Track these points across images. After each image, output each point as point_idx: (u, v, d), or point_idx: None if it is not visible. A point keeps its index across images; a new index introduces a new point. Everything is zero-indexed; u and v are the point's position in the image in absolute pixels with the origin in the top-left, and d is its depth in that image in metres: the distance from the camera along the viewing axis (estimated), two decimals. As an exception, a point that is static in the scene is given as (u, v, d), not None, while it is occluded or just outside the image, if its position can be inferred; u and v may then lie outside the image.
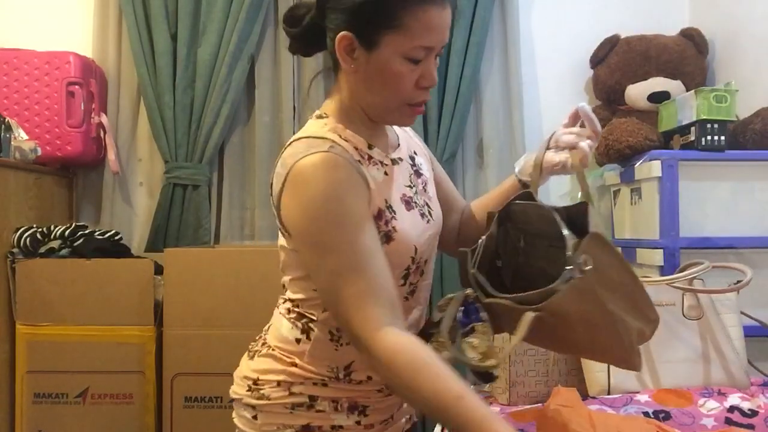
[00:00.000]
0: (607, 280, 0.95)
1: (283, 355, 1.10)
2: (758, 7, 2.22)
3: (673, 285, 1.49)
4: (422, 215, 1.12)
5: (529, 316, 0.93)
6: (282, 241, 1.10)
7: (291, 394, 1.08)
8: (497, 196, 1.24)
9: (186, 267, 2.12)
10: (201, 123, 2.47)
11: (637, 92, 2.39)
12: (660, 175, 1.91)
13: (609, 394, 1.45)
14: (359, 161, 1.04)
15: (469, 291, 1.04)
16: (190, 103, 2.47)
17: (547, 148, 1.16)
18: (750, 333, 1.61)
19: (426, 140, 2.41)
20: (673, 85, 2.36)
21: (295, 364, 1.09)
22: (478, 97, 2.56)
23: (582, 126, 1.15)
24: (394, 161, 1.12)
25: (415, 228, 1.09)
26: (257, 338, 1.19)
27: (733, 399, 1.40)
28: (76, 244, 2.17)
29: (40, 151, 2.23)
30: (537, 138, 2.50)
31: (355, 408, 1.10)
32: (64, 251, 2.15)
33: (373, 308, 0.95)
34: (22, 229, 2.13)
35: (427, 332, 1.04)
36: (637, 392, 1.44)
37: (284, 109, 2.52)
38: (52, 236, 2.16)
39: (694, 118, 1.94)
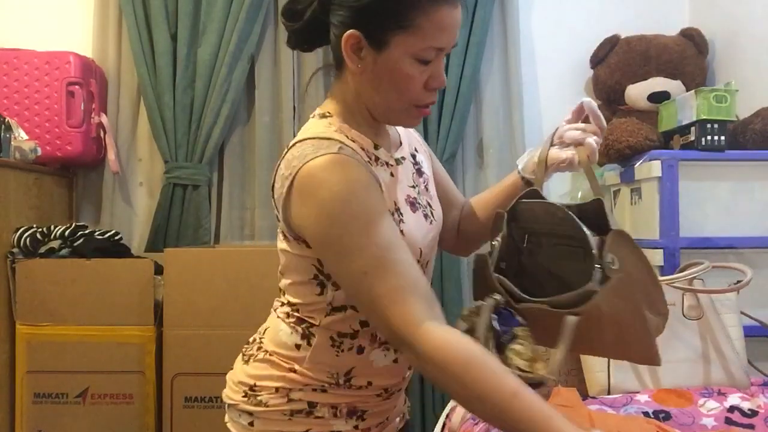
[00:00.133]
0: (633, 279, 0.93)
1: (282, 360, 1.07)
2: (758, 7, 2.23)
3: (673, 285, 1.49)
4: (425, 216, 1.09)
5: (572, 321, 0.89)
6: (282, 244, 1.05)
7: (290, 400, 1.05)
8: (498, 193, 1.21)
9: (186, 267, 2.12)
10: (201, 123, 2.46)
11: (637, 92, 2.39)
12: (660, 175, 1.91)
13: (609, 394, 1.45)
14: (368, 162, 1.01)
15: (498, 297, 0.98)
16: (190, 103, 2.47)
17: (552, 145, 1.13)
18: (750, 333, 1.62)
19: (426, 140, 2.36)
20: (673, 85, 2.36)
21: (293, 370, 1.06)
22: (478, 97, 2.56)
23: (586, 122, 1.12)
24: (397, 161, 1.09)
25: (419, 230, 1.06)
26: (251, 341, 1.15)
27: (733, 399, 1.40)
28: (76, 244, 2.17)
29: (40, 151, 2.23)
30: (537, 138, 2.50)
31: (353, 413, 1.08)
32: (64, 251, 2.15)
33: (412, 304, 0.90)
34: (22, 229, 2.13)
35: None
36: (637, 392, 1.44)
37: (284, 109, 2.51)
38: (52, 236, 2.16)
39: (694, 118, 1.94)
